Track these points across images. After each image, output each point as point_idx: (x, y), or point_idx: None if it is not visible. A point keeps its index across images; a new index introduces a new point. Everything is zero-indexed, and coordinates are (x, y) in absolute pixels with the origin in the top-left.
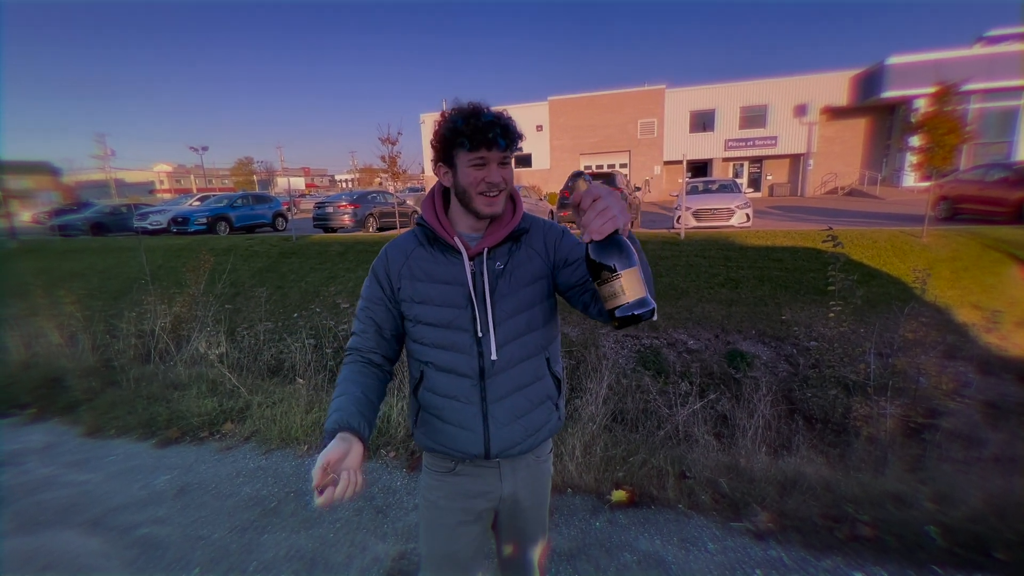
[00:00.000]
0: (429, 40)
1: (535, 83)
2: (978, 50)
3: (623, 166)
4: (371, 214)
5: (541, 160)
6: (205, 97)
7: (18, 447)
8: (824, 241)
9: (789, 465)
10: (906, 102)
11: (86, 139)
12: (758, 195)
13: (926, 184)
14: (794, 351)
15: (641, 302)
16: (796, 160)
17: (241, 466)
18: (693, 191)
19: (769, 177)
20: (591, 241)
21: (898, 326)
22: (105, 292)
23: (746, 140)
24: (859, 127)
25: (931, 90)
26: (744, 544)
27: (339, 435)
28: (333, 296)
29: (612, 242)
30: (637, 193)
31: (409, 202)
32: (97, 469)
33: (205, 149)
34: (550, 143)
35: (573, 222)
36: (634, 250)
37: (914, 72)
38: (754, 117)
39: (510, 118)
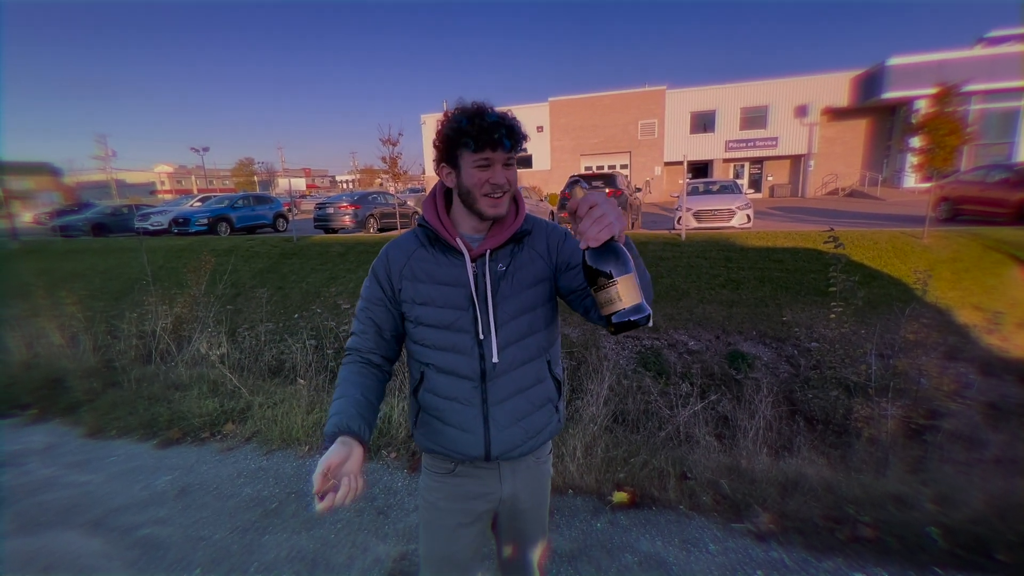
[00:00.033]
0: (429, 41)
1: (536, 84)
2: (979, 51)
3: (624, 167)
4: (372, 215)
5: (542, 161)
6: (206, 98)
7: (19, 448)
8: (825, 242)
9: (790, 466)
10: (907, 103)
11: (87, 140)
12: (759, 196)
13: (927, 185)
14: (795, 352)
15: (637, 308)
16: (797, 161)
17: (242, 467)
18: (694, 192)
19: (770, 178)
20: (588, 248)
21: (899, 327)
22: (106, 293)
23: (747, 141)
24: (860, 128)
25: (932, 91)
26: (745, 545)
27: (339, 439)
28: (334, 297)
29: (608, 249)
30: (638, 194)
31: (410, 203)
32: (98, 470)
33: (206, 150)
34: (551, 144)
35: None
36: (630, 256)
37: (915, 73)
38: (755, 118)
39: (515, 118)
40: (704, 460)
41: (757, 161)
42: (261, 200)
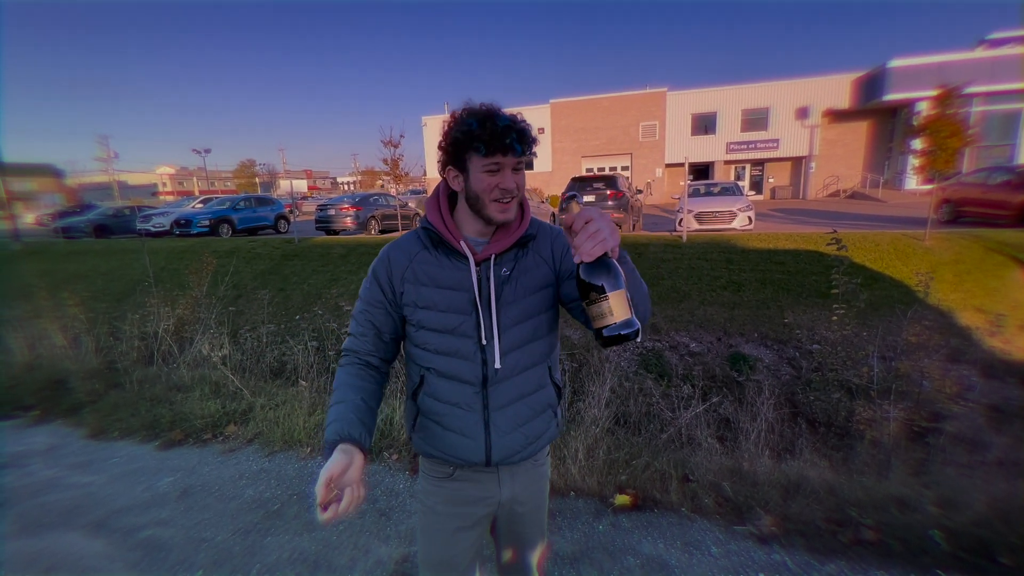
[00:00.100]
0: (430, 42)
1: (537, 85)
2: (980, 53)
3: (625, 169)
4: (373, 216)
5: (543, 163)
6: (207, 99)
7: (22, 449)
8: (828, 244)
9: (792, 469)
10: (908, 105)
11: (89, 141)
12: (760, 198)
13: (928, 187)
14: (797, 354)
15: (627, 323)
16: (798, 163)
17: (244, 468)
18: (695, 194)
19: (771, 180)
20: (582, 262)
21: (901, 329)
22: (108, 294)
23: (748, 143)
24: (861, 130)
25: (933, 93)
26: (747, 548)
27: (339, 447)
28: (335, 298)
29: (602, 264)
30: (639, 196)
31: (411, 204)
32: (101, 471)
33: (208, 151)
34: (552, 146)
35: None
36: (622, 272)
37: (916, 75)
38: (756, 120)
39: (525, 121)
40: (706, 462)
41: (758, 163)
42: (263, 202)
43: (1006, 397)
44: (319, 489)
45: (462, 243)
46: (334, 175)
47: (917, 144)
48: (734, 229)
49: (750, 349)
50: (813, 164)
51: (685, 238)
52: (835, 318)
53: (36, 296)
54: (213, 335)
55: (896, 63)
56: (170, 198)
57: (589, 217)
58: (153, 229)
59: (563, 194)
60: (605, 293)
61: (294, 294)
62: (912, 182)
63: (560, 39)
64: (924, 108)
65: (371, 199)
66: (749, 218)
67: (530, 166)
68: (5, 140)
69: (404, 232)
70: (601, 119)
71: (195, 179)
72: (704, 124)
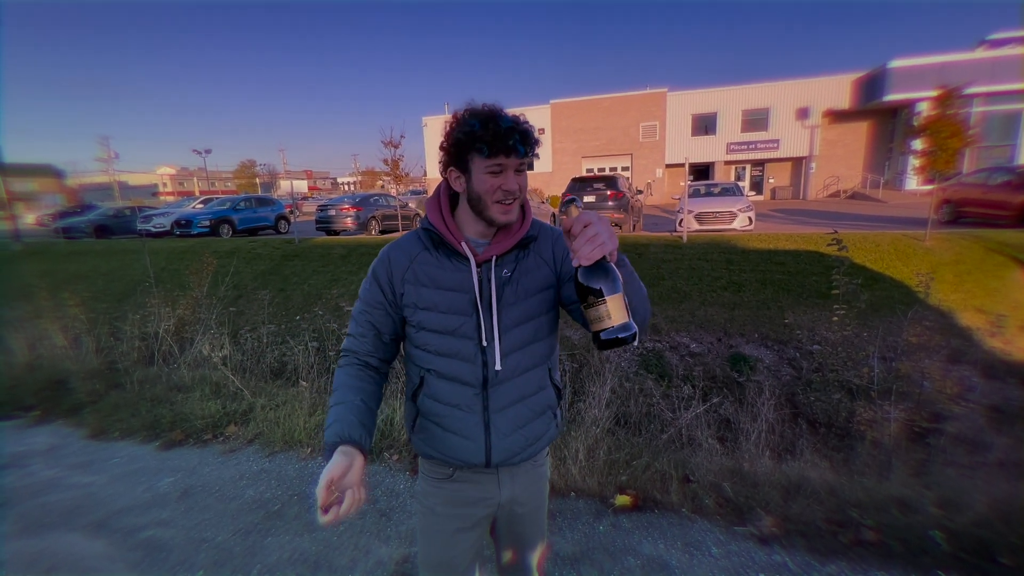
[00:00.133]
0: (431, 42)
1: (537, 86)
2: (981, 53)
3: (625, 169)
4: (374, 217)
5: (543, 163)
6: (208, 99)
7: (23, 449)
8: (829, 244)
9: (793, 469)
10: (908, 105)
11: (90, 141)
12: (760, 198)
13: (929, 188)
14: (797, 355)
15: (624, 327)
16: (798, 163)
17: (245, 469)
18: (695, 194)
19: (771, 180)
20: (580, 266)
21: (902, 330)
22: (109, 294)
23: (748, 143)
24: (861, 130)
25: (934, 93)
26: (748, 548)
27: (340, 449)
28: (336, 299)
29: (600, 268)
30: (639, 196)
31: (411, 205)
32: (101, 471)
33: (208, 152)
34: (552, 146)
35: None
36: (620, 276)
37: (916, 75)
38: (756, 120)
39: (528, 122)
40: (706, 463)
41: (759, 163)
42: (263, 202)
43: (1007, 398)
44: (320, 492)
45: (463, 244)
46: (334, 175)
47: (917, 144)
48: (734, 229)
49: (750, 350)
50: (813, 164)
51: (685, 238)
52: (835, 319)
53: (37, 296)
54: (214, 335)
55: (896, 63)
56: (170, 198)
57: (588, 221)
58: (154, 229)
59: (563, 195)
60: (603, 297)
61: (294, 294)
62: (912, 182)
63: (560, 39)
64: (924, 108)
65: (371, 199)
66: (749, 218)
67: (530, 167)
68: (5, 140)
69: (404, 232)
70: (601, 119)
71: (195, 179)
72: (704, 124)
